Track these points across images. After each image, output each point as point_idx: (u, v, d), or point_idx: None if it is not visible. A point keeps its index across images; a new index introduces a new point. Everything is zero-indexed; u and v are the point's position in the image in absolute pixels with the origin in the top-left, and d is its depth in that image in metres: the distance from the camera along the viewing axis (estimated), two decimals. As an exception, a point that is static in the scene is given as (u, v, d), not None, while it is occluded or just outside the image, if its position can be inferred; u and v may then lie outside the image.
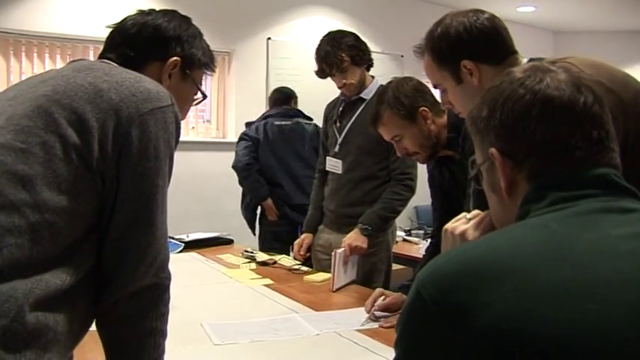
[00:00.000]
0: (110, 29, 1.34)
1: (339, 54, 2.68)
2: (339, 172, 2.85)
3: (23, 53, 4.69)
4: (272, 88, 5.65)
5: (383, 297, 2.05)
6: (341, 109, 2.90)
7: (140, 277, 1.12)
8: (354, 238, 2.57)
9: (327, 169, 2.95)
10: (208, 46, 1.42)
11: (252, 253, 3.03)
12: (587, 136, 0.84)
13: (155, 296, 1.17)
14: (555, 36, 8.09)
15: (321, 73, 2.79)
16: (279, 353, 1.70)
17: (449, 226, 1.12)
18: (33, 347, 0.96)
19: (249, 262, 2.92)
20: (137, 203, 1.11)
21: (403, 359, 0.79)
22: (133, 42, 1.30)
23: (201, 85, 1.42)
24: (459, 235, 1.09)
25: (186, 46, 1.34)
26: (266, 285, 2.46)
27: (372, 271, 2.75)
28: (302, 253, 2.91)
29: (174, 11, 1.39)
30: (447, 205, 2.23)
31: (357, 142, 2.77)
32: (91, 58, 4.77)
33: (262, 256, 2.96)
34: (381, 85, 2.76)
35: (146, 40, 1.29)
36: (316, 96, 5.42)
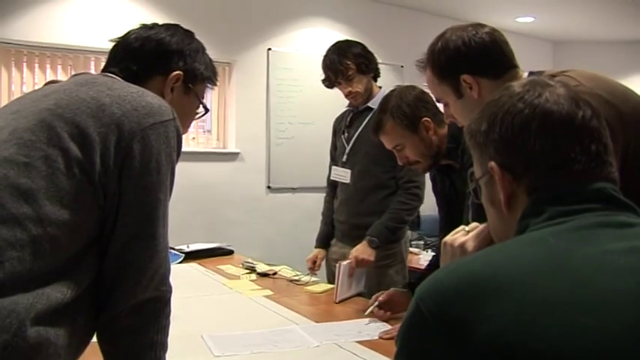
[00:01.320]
0: (113, 43, 1.35)
1: (345, 62, 2.71)
2: (347, 181, 2.84)
3: (25, 64, 4.70)
4: (272, 98, 5.70)
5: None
6: (349, 119, 2.91)
7: (142, 290, 1.12)
8: (362, 250, 2.55)
9: (332, 178, 2.95)
10: (211, 60, 1.43)
11: (252, 263, 3.03)
12: (585, 149, 0.85)
13: (156, 309, 1.17)
14: (555, 46, 8.11)
15: (328, 82, 2.81)
16: (279, 365, 1.70)
17: (448, 238, 1.12)
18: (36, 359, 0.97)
19: (249, 272, 2.92)
20: (139, 217, 1.11)
21: (403, 372, 0.79)
22: (136, 56, 1.31)
23: (203, 98, 1.42)
24: (458, 246, 1.09)
25: (189, 60, 1.35)
26: (266, 296, 2.46)
27: (389, 283, 2.71)
28: (316, 269, 2.90)
29: (177, 25, 1.40)
30: (450, 213, 2.23)
31: (364, 150, 2.77)
32: (92, 68, 4.80)
33: (262, 267, 2.96)
34: None
35: (149, 54, 1.30)
36: (316, 106, 5.47)
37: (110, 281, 1.11)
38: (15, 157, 1.03)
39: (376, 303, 2.12)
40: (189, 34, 1.40)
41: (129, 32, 1.35)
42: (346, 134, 2.89)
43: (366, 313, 2.12)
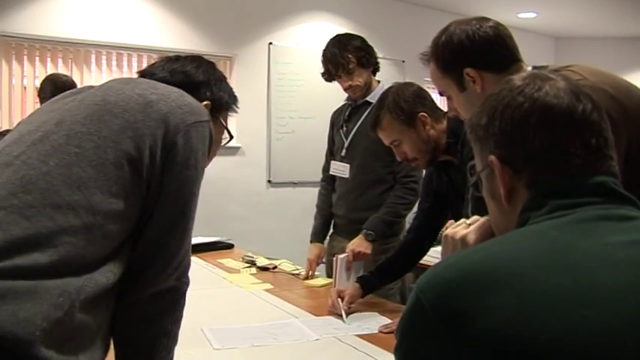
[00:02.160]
0: (138, 75, 1.39)
1: (346, 55, 2.70)
2: (345, 175, 2.84)
3: (25, 57, 4.70)
4: (274, 92, 5.70)
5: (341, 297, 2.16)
6: (347, 113, 2.90)
7: (165, 278, 1.17)
8: (358, 243, 2.53)
9: (331, 172, 2.95)
10: (231, 88, 1.48)
11: (252, 257, 3.03)
12: (585, 143, 0.84)
13: (174, 299, 1.22)
14: (556, 42, 8.10)
15: (328, 75, 2.80)
16: (279, 358, 1.70)
17: (449, 231, 1.12)
18: (74, 343, 1.00)
19: (249, 266, 2.93)
20: (175, 209, 1.17)
21: (402, 365, 0.79)
22: None
23: (227, 125, 1.49)
24: (459, 239, 1.09)
25: (215, 90, 1.41)
26: (266, 290, 2.47)
27: None
28: (317, 264, 2.87)
29: (200, 57, 1.45)
30: (435, 207, 2.25)
31: (363, 144, 2.76)
32: (93, 62, 4.80)
33: (262, 261, 2.97)
34: None
35: (177, 85, 1.32)
36: (317, 101, 5.46)
37: (137, 267, 1.16)
38: (67, 148, 1.08)
39: (344, 313, 2.08)
40: (212, 65, 1.45)
41: (153, 65, 1.41)
42: (345, 128, 2.89)
43: (345, 320, 2.07)
